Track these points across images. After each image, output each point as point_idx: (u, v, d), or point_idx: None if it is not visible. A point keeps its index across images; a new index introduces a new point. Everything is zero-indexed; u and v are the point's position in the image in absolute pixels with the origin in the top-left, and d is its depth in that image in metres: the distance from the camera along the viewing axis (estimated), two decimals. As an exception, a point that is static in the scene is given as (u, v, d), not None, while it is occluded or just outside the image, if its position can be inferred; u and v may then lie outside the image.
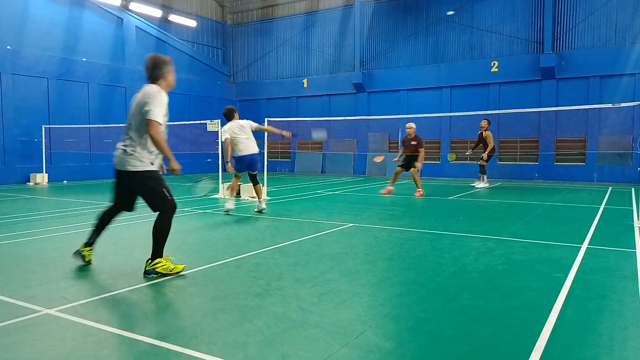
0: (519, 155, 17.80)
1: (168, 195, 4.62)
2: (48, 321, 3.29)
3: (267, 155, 14.06)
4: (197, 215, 8.51)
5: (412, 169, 11.73)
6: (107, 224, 4.73)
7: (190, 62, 22.59)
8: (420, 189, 11.67)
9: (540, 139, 17.20)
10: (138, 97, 4.37)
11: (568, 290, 3.94)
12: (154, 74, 4.54)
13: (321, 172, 21.77)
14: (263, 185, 11.08)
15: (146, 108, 4.27)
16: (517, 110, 14.37)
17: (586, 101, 16.16)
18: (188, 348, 2.81)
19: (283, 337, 2.98)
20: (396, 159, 12.08)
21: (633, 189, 12.81)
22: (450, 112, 18.51)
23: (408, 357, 2.74)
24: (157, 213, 4.55)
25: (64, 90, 17.38)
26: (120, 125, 18.20)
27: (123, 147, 4.36)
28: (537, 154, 17.36)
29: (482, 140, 13.98)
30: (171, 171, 4.69)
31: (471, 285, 4.13)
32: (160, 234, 4.48)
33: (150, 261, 4.42)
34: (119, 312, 3.45)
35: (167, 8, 21.24)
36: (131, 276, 4.42)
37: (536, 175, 16.95)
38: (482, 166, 14.08)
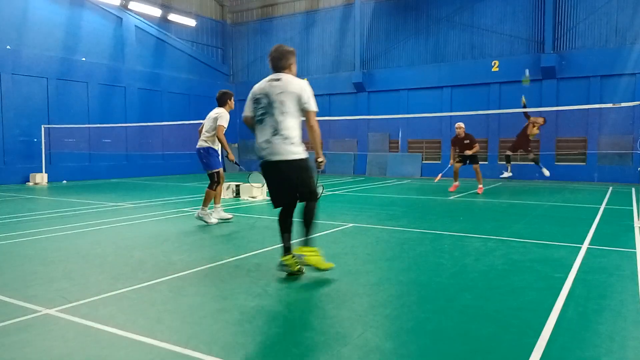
0: (519, 155, 17.78)
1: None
2: (48, 321, 3.28)
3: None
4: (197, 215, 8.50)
5: (475, 165, 11.89)
6: (290, 224, 4.35)
7: (190, 61, 22.59)
8: (481, 185, 11.95)
9: (541, 139, 17.17)
10: (287, 86, 4.14)
11: (568, 290, 3.94)
12: (282, 64, 4.26)
13: (321, 172, 21.74)
14: (263, 186, 11.07)
15: (303, 100, 4.17)
16: (517, 110, 14.35)
17: (586, 101, 16.16)
18: (188, 348, 2.81)
19: (283, 337, 2.97)
20: (451, 162, 12.17)
21: (633, 189, 12.81)
22: (451, 111, 18.49)
23: (408, 358, 2.74)
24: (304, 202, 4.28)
25: (63, 90, 17.38)
26: (120, 125, 18.27)
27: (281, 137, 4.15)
28: (538, 154, 17.33)
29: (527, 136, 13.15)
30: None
31: (471, 285, 4.13)
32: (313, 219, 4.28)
33: (301, 247, 4.24)
34: (119, 312, 3.45)
35: (166, 7, 21.24)
36: (131, 276, 4.41)
37: (536, 175, 16.92)
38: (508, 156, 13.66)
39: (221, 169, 7.34)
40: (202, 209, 7.06)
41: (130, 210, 9.05)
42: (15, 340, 2.94)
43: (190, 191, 12.98)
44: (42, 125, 16.37)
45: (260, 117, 4.24)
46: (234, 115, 7.55)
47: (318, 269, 4.29)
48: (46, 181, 15.95)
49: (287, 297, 3.78)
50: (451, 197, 11.19)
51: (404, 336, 3.06)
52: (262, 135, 4.22)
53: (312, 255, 4.22)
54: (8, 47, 15.77)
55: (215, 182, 7.17)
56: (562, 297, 3.76)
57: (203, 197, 7.30)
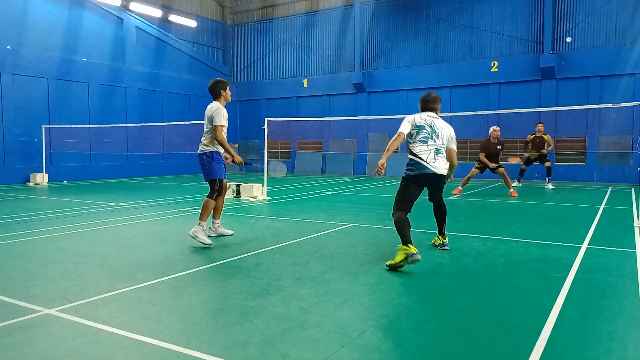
0: (519, 155, 17.78)
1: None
2: (48, 321, 3.29)
3: (267, 155, 14.06)
4: (197, 215, 8.50)
5: (500, 169, 11.69)
6: (409, 224, 4.89)
7: (190, 62, 22.60)
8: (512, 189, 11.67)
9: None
10: (445, 126, 5.30)
11: (568, 290, 3.94)
12: (433, 107, 5.40)
13: (321, 172, 21.76)
14: (263, 186, 11.09)
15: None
16: (517, 110, 14.36)
17: (586, 101, 16.16)
18: (188, 348, 2.81)
19: (283, 337, 2.98)
20: (493, 166, 11.79)
21: (633, 189, 12.81)
22: (450, 112, 18.48)
23: (408, 357, 2.74)
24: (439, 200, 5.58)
25: (64, 90, 17.38)
26: (121, 125, 18.27)
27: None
28: (538, 154, 17.32)
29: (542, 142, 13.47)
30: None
31: (471, 285, 4.13)
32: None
33: (445, 236, 5.72)
34: (119, 312, 3.45)
35: (167, 8, 21.24)
36: (131, 276, 4.42)
37: (536, 175, 16.92)
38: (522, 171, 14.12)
39: (224, 179, 6.19)
40: (199, 224, 5.78)
41: (130, 210, 9.05)
42: (15, 340, 2.94)
43: (190, 191, 12.98)
44: (43, 125, 16.36)
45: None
46: (233, 111, 6.35)
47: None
48: (46, 181, 15.95)
49: (287, 296, 3.79)
50: (451, 197, 11.18)
51: (404, 336, 3.06)
52: None
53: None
54: (8, 47, 15.77)
55: (216, 191, 6.01)
56: (562, 297, 3.76)
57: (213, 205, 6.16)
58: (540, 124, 13.45)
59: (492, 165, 11.70)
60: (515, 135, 17.74)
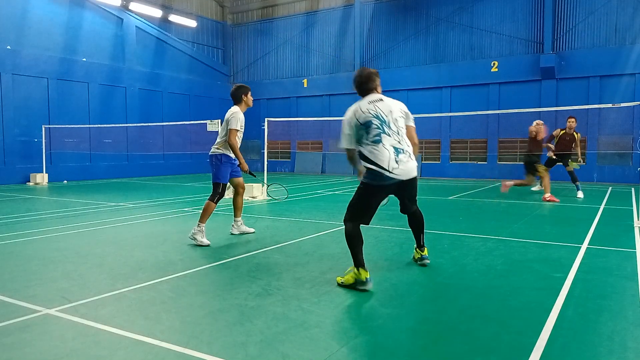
0: (519, 155, 17.79)
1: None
2: (48, 321, 3.29)
3: (267, 155, 14.06)
4: (197, 215, 8.49)
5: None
6: (362, 241, 4.22)
7: (190, 62, 22.60)
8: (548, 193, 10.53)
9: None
10: (393, 106, 4.19)
11: (568, 290, 3.94)
12: (369, 87, 4.25)
13: (321, 172, 21.77)
14: (263, 186, 11.08)
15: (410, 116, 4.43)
16: (517, 110, 14.37)
17: (586, 101, 16.16)
18: (188, 348, 2.81)
19: (283, 337, 2.97)
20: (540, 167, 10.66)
21: (633, 189, 12.81)
22: (450, 112, 18.51)
23: (408, 357, 2.74)
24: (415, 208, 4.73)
25: (64, 90, 17.39)
26: (121, 125, 18.28)
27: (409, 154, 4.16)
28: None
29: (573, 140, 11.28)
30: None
31: (471, 285, 4.13)
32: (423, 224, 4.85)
33: (423, 248, 4.84)
34: (119, 312, 3.45)
35: (167, 8, 21.24)
36: (131, 276, 4.41)
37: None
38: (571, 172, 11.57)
39: (237, 182, 6.32)
40: (198, 226, 5.88)
41: (130, 210, 9.05)
42: (15, 340, 2.94)
43: (190, 191, 12.98)
44: (43, 125, 16.37)
45: None
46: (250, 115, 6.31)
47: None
48: (46, 181, 15.95)
49: (287, 296, 3.79)
50: (451, 197, 11.19)
51: (404, 336, 3.06)
52: None
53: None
54: (8, 47, 15.77)
55: (217, 194, 6.01)
56: (562, 297, 3.76)
57: (234, 204, 6.40)
58: (573, 118, 10.96)
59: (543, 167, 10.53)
60: (515, 135, 17.75)
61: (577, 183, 11.33)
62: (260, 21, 24.31)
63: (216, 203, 6.03)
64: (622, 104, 9.85)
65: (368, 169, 4.01)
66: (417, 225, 4.80)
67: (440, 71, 19.14)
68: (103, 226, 7.24)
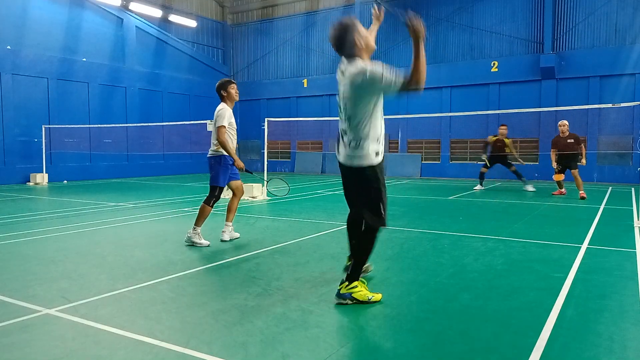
0: (519, 155, 17.79)
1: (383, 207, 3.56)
2: (48, 321, 3.29)
3: (267, 155, 14.06)
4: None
5: (574, 171, 10.89)
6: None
7: (190, 62, 22.59)
8: (582, 191, 10.80)
9: (540, 139, 17.19)
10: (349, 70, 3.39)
11: (568, 290, 3.94)
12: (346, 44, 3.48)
13: (321, 172, 21.77)
14: (263, 186, 11.08)
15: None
16: (517, 110, 14.36)
17: (586, 101, 16.16)
18: (188, 348, 2.81)
19: (283, 337, 2.97)
20: (554, 165, 11.23)
21: (633, 189, 12.81)
22: (450, 112, 18.50)
23: (408, 357, 2.74)
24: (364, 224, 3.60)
25: (64, 90, 17.38)
26: (121, 125, 18.28)
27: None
28: (537, 154, 17.35)
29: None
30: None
31: (471, 285, 4.13)
32: (364, 250, 3.61)
33: (347, 284, 3.59)
34: (119, 312, 3.45)
35: (167, 8, 21.24)
36: (131, 276, 4.42)
37: (536, 175, 16.93)
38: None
39: (236, 186, 6.14)
40: (194, 229, 5.80)
41: (130, 210, 9.05)
42: (15, 340, 2.94)
43: (190, 191, 12.98)
44: (43, 125, 16.37)
45: None
46: (233, 111, 6.06)
47: (373, 302, 3.64)
48: (47, 181, 15.95)
49: (287, 296, 3.78)
50: (451, 197, 11.19)
51: (404, 336, 3.06)
52: None
53: (358, 291, 3.59)
54: (8, 47, 15.77)
55: (214, 197, 5.92)
56: (562, 297, 3.76)
57: (229, 206, 6.14)
58: (504, 126, 12.84)
59: (558, 167, 11.06)
60: (515, 136, 17.74)
61: (523, 179, 12.85)
62: (260, 21, 24.30)
63: (212, 206, 5.93)
64: (622, 104, 9.85)
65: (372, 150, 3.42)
66: (353, 245, 3.84)
67: (440, 71, 19.14)
68: (103, 226, 7.24)
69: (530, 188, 12.57)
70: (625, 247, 5.69)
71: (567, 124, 11.09)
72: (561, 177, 11.37)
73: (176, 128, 19.93)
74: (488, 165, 12.97)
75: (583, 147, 11.00)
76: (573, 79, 16.80)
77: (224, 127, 5.79)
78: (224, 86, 5.96)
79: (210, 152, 6.01)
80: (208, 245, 5.75)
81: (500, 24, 18.16)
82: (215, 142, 5.93)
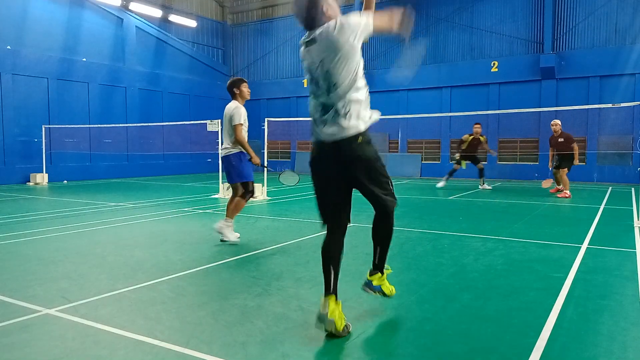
0: (519, 155, 17.81)
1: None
2: (48, 321, 3.29)
3: (267, 155, 14.06)
4: (197, 215, 8.51)
5: (561, 170, 11.15)
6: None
7: (190, 62, 22.59)
8: (567, 191, 11.06)
9: (540, 139, 17.19)
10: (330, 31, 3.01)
11: (568, 290, 3.94)
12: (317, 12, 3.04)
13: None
14: (263, 186, 11.08)
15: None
16: (517, 110, 14.36)
17: (586, 101, 16.16)
18: (188, 348, 2.81)
19: (283, 337, 2.97)
20: (550, 165, 11.65)
21: (633, 189, 12.81)
22: (450, 112, 18.50)
23: (408, 357, 2.74)
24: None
25: (64, 90, 17.38)
26: (121, 125, 18.27)
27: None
28: (537, 154, 17.35)
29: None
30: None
31: (471, 285, 4.13)
32: (388, 234, 3.40)
33: (379, 275, 3.39)
34: (119, 312, 3.45)
35: (167, 8, 21.23)
36: (131, 276, 4.42)
37: (536, 175, 16.94)
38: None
39: (236, 185, 6.08)
40: (226, 220, 5.89)
41: (130, 210, 9.05)
42: (15, 340, 2.94)
43: (190, 191, 12.98)
44: (43, 125, 16.36)
45: None
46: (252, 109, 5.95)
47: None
48: (47, 181, 15.95)
49: (287, 296, 3.78)
50: (451, 197, 11.19)
51: (404, 336, 3.06)
52: None
53: (385, 285, 3.44)
54: (8, 47, 15.77)
55: (250, 192, 6.00)
56: (562, 297, 3.76)
57: (228, 205, 6.06)
58: (478, 124, 13.23)
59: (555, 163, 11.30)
60: (515, 136, 17.76)
61: (483, 178, 13.40)
62: (260, 21, 24.30)
63: (246, 201, 6.05)
64: (622, 104, 9.85)
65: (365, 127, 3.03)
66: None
67: (440, 71, 19.14)
68: (103, 226, 7.23)
69: (483, 188, 13.24)
70: (625, 247, 5.69)
71: (559, 123, 11.33)
72: (549, 183, 11.72)
73: (176, 128, 19.92)
74: (460, 163, 13.37)
75: (575, 147, 11.06)
76: (573, 79, 16.80)
77: (242, 124, 5.82)
78: (236, 84, 5.99)
79: (225, 152, 5.98)
80: (237, 240, 5.86)
81: (500, 24, 18.15)
82: (231, 140, 5.92)
